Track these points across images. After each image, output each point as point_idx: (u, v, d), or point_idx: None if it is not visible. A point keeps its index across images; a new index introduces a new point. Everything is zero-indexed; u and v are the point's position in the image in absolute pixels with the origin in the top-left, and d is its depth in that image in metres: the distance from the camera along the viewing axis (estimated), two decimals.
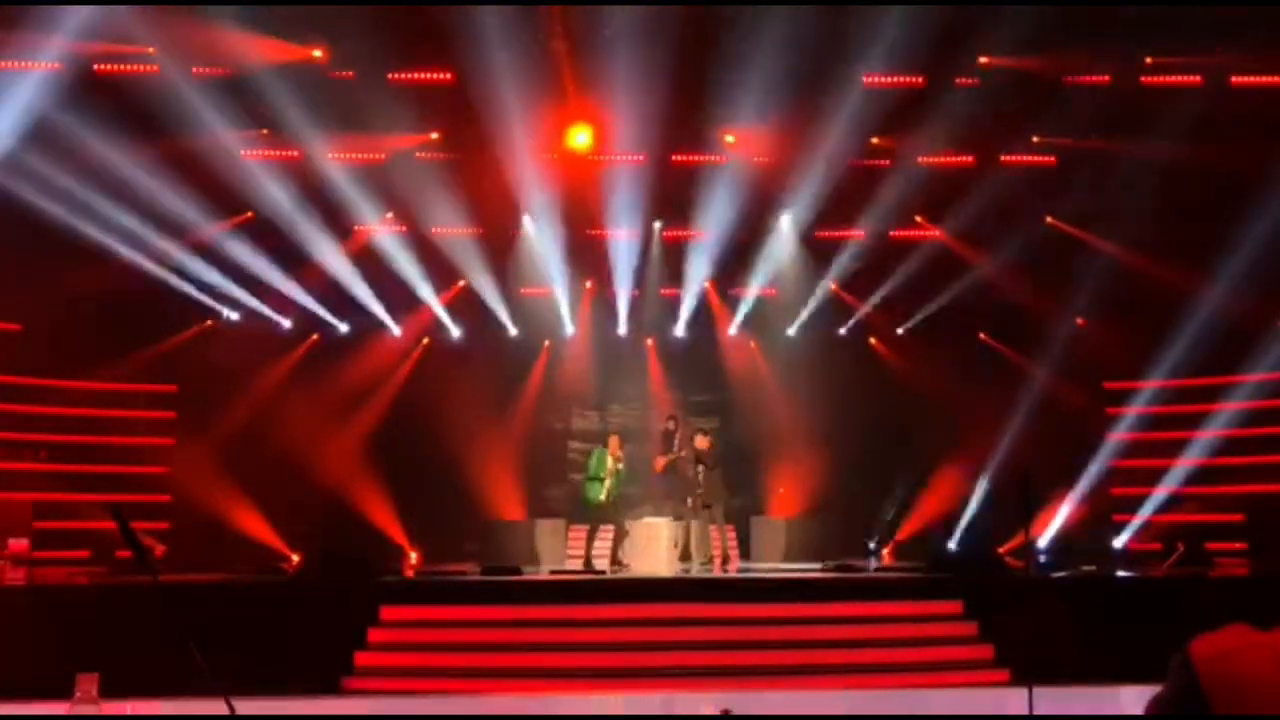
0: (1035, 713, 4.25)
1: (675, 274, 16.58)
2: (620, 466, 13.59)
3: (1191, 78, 13.18)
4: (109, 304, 13.99)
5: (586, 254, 16.30)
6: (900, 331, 16.70)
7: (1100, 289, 14.69)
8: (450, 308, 16.30)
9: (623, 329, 16.82)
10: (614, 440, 13.73)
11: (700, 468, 13.16)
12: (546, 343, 16.78)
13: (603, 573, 12.80)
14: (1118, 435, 15.56)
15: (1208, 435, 14.70)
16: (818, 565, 13.36)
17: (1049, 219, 15.29)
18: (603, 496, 13.29)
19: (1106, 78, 13.28)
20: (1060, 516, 14.60)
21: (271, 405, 14.90)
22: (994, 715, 8.59)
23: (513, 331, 16.58)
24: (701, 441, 13.33)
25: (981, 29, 12.32)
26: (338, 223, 15.13)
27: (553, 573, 12.83)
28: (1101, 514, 15.04)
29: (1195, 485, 14.45)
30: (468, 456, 15.36)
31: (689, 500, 13.34)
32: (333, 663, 9.87)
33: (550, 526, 14.49)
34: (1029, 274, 15.28)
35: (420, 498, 15.24)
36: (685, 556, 13.58)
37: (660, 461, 14.50)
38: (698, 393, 17.07)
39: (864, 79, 13.26)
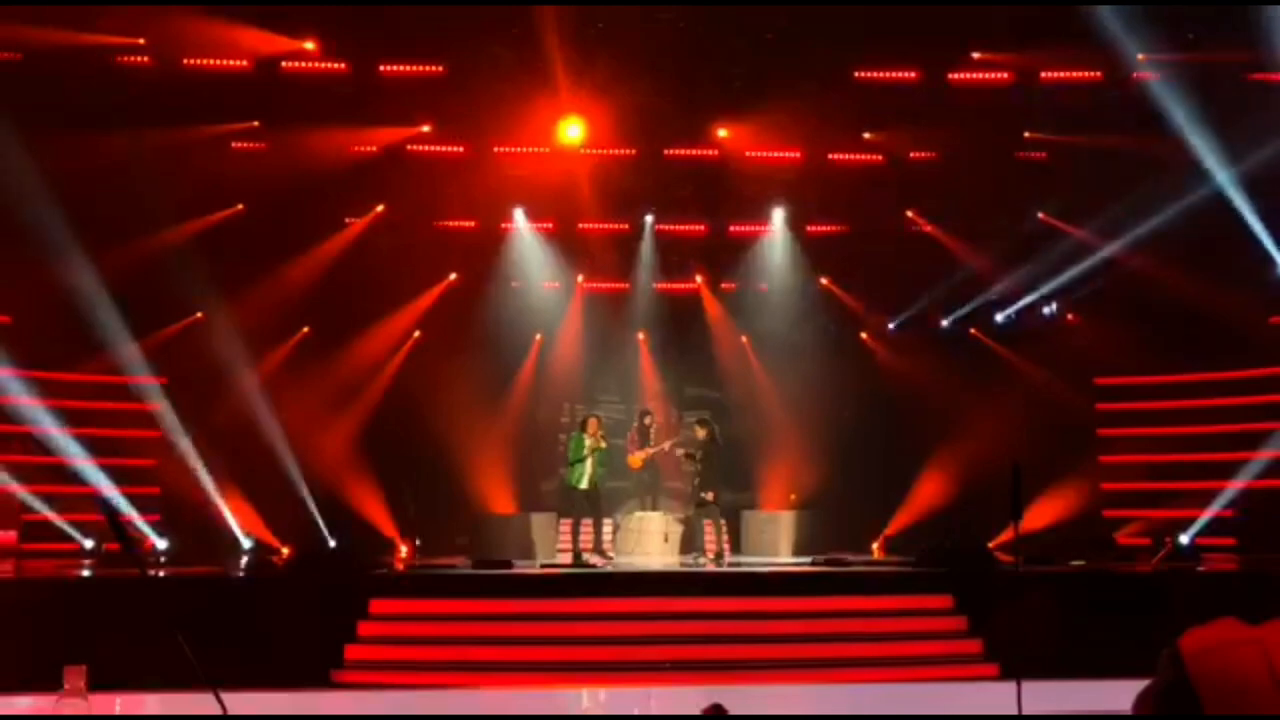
0: (1024, 706, 4.24)
1: (667, 268, 16.58)
2: (603, 445, 13.54)
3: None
4: (97, 296, 13.93)
5: (578, 247, 16.29)
6: (891, 327, 16.72)
7: (1092, 284, 14.73)
8: (441, 301, 16.27)
9: (614, 323, 16.80)
10: (593, 422, 13.69)
11: (699, 456, 13.13)
12: (538, 336, 16.75)
13: (593, 566, 12.81)
14: (1108, 430, 15.61)
15: (1198, 431, 14.75)
16: (808, 559, 13.38)
17: (1040, 214, 15.30)
18: (585, 484, 13.27)
19: (1098, 74, 13.32)
20: (1050, 512, 14.62)
21: (262, 398, 14.85)
22: (983, 712, 8.61)
23: (504, 325, 16.54)
24: (700, 431, 13.31)
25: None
26: (329, 215, 15.08)
27: (543, 566, 12.82)
28: (1091, 509, 15.08)
29: (1185, 480, 14.50)
30: (459, 450, 15.33)
31: (693, 490, 13.32)
32: (322, 656, 9.85)
33: (542, 520, 14.47)
34: (1021, 269, 15.32)
35: (411, 491, 15.24)
36: (687, 548, 13.58)
37: (637, 458, 14.48)
38: (689, 387, 17.08)
39: (855, 74, 13.29)
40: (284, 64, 13.34)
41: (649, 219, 16.19)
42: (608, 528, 13.87)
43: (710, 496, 12.92)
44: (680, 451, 14.25)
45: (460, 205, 15.43)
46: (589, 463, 13.29)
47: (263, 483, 14.51)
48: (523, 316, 16.52)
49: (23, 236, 12.77)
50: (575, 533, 13.42)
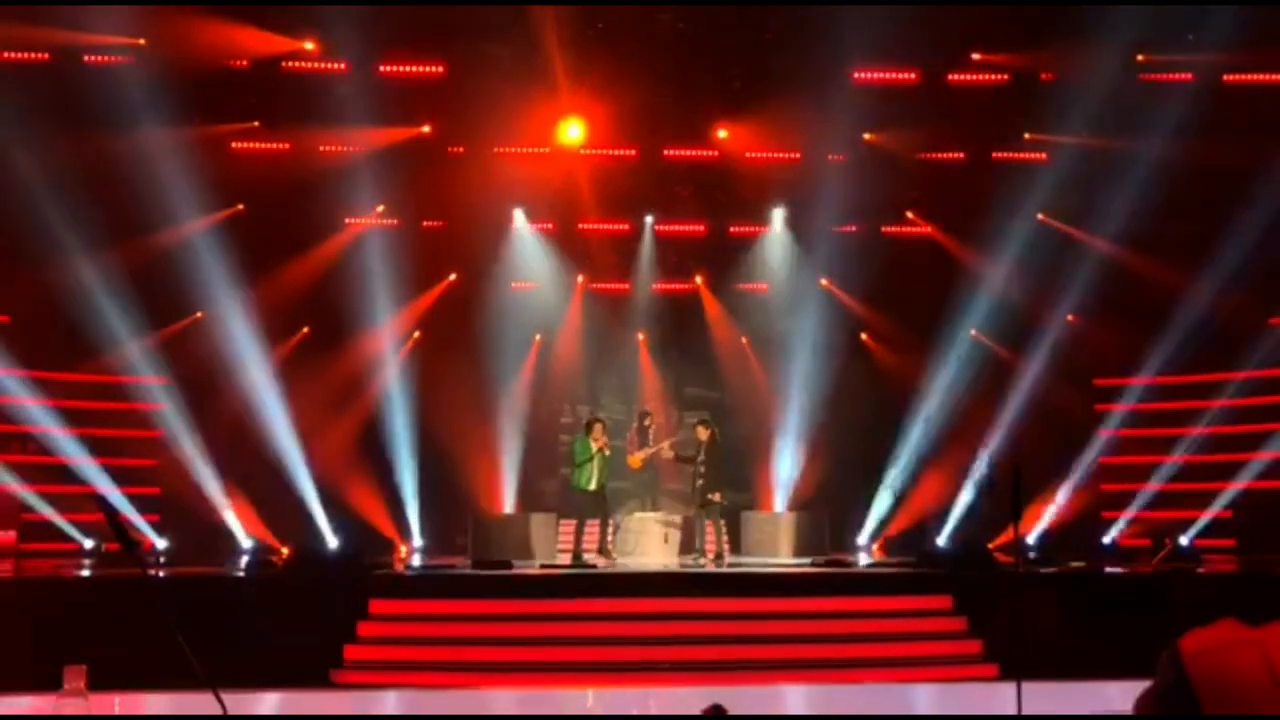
0: (1024, 706, 4.25)
1: (667, 269, 16.57)
2: (608, 453, 13.54)
3: (1183, 75, 13.23)
4: (97, 296, 13.93)
5: (578, 248, 16.29)
6: (891, 327, 16.70)
7: (1091, 286, 14.74)
8: (441, 301, 16.27)
9: (614, 323, 16.79)
10: (598, 426, 13.67)
11: (701, 457, 13.10)
12: (537, 337, 16.75)
13: (593, 566, 12.80)
14: (1108, 431, 15.61)
15: (1197, 432, 14.75)
16: (808, 560, 13.38)
17: (1040, 215, 15.30)
18: (592, 485, 13.25)
19: (1097, 74, 13.33)
20: (1050, 512, 14.63)
21: (262, 398, 14.86)
22: (983, 712, 8.61)
23: (504, 325, 16.52)
24: (702, 432, 13.29)
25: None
26: (329, 215, 15.09)
27: (543, 567, 12.81)
28: (1091, 510, 15.08)
29: (1184, 481, 14.50)
30: (459, 451, 15.34)
31: (693, 492, 13.32)
32: (322, 656, 9.85)
33: (542, 520, 14.46)
34: (1020, 270, 15.31)
35: (411, 491, 15.25)
36: (688, 549, 13.57)
37: (637, 458, 14.46)
38: (689, 388, 17.07)
39: (855, 75, 13.29)
40: (284, 64, 13.34)
41: (649, 219, 16.19)
42: (609, 528, 13.86)
43: (717, 497, 12.93)
44: (671, 454, 14.24)
45: (460, 205, 15.43)
46: (596, 462, 13.27)
47: (263, 483, 14.52)
48: (523, 316, 16.50)
49: (22, 236, 12.78)
50: (579, 533, 13.40)
